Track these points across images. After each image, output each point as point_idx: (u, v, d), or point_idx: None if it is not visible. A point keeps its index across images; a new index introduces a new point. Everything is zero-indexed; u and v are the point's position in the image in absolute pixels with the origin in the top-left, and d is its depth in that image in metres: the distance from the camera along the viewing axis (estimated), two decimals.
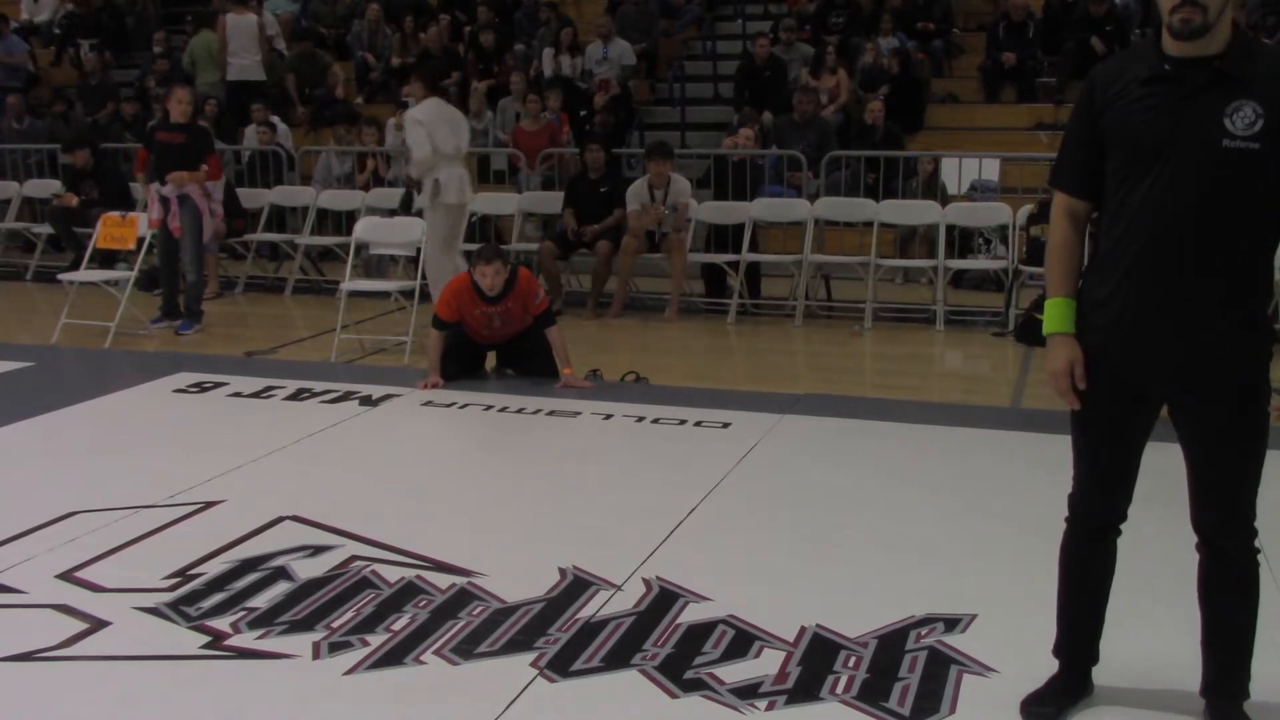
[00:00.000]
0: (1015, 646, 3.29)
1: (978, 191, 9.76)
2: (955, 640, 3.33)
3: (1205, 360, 2.65)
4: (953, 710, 2.97)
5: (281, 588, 3.73)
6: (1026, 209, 8.51)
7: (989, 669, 3.17)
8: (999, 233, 9.07)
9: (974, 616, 3.47)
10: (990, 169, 9.92)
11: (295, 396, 6.20)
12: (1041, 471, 4.97)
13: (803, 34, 12.28)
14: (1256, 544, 2.80)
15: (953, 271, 8.82)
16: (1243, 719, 2.83)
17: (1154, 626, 3.38)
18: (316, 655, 3.28)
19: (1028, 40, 11.78)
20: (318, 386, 6.37)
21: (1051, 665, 3.18)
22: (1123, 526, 2.92)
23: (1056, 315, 2.81)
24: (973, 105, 11.90)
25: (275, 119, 11.68)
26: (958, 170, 9.78)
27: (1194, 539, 2.86)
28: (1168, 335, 2.64)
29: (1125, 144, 2.63)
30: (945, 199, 9.32)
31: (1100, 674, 3.04)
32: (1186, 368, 2.67)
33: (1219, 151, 2.53)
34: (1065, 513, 2.95)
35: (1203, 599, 2.86)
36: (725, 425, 5.60)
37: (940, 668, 3.18)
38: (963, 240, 9.15)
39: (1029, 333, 7.83)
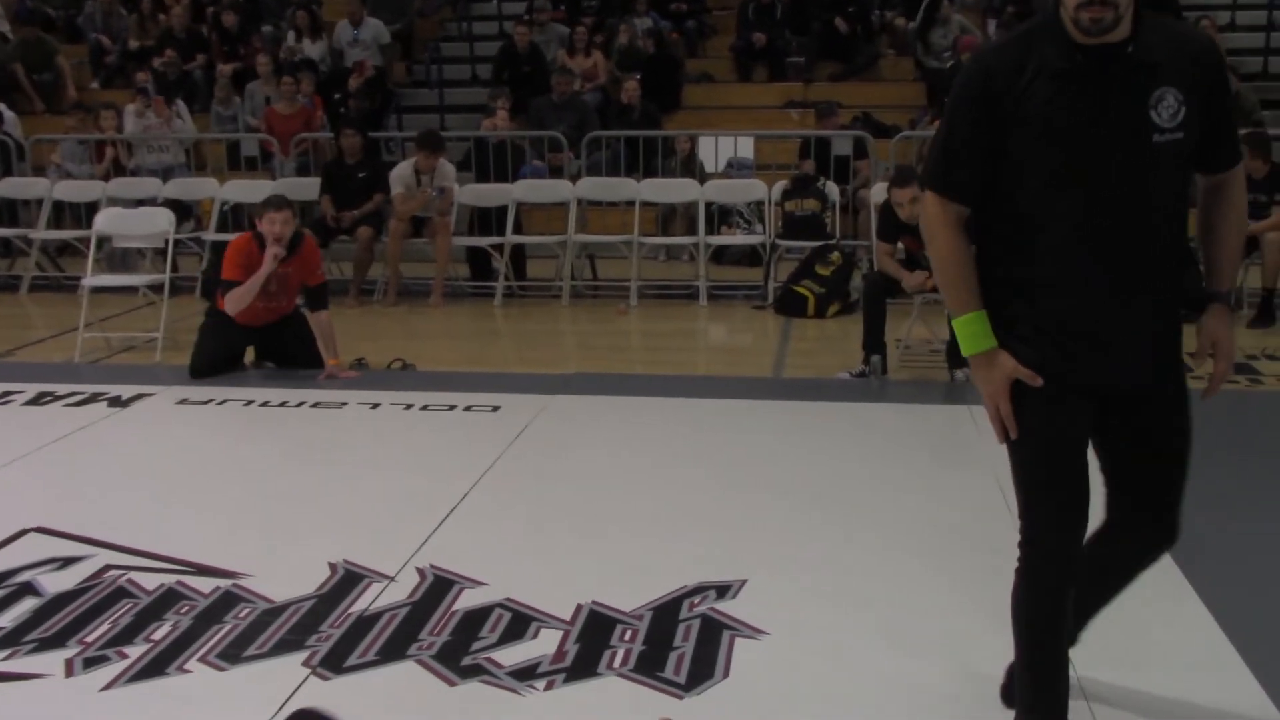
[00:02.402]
0: (783, 608, 3.40)
1: (734, 168, 10.02)
2: (726, 606, 3.42)
3: (1159, 353, 2.45)
4: (726, 674, 3.05)
5: (28, 604, 3.50)
6: (781, 184, 8.79)
7: (760, 631, 3.27)
8: (755, 209, 9.33)
9: (744, 582, 3.57)
10: (745, 146, 10.19)
11: (36, 401, 5.83)
12: (801, 438, 5.17)
13: (557, 14, 12.30)
14: None
15: (713, 248, 9.03)
16: None
17: None
18: (70, 673, 3.10)
19: (776, 21, 12.14)
20: (61, 389, 6.01)
21: (821, 626, 3.31)
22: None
23: (974, 331, 2.45)
24: (726, 84, 12.20)
25: (1, 106, 10.93)
26: (714, 148, 10.01)
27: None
28: (1119, 336, 2.40)
29: (1046, 147, 2.34)
30: (703, 177, 9.52)
31: None
32: (1141, 365, 2.44)
33: (1150, 147, 2.32)
34: (1016, 563, 2.61)
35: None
36: (495, 409, 5.58)
37: (713, 634, 3.26)
38: (721, 217, 9.38)
39: (788, 304, 8.12)
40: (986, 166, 2.40)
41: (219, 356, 6.28)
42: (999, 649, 3.14)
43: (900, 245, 6.31)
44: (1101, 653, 3.06)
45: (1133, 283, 2.38)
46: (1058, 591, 2.55)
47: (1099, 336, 2.40)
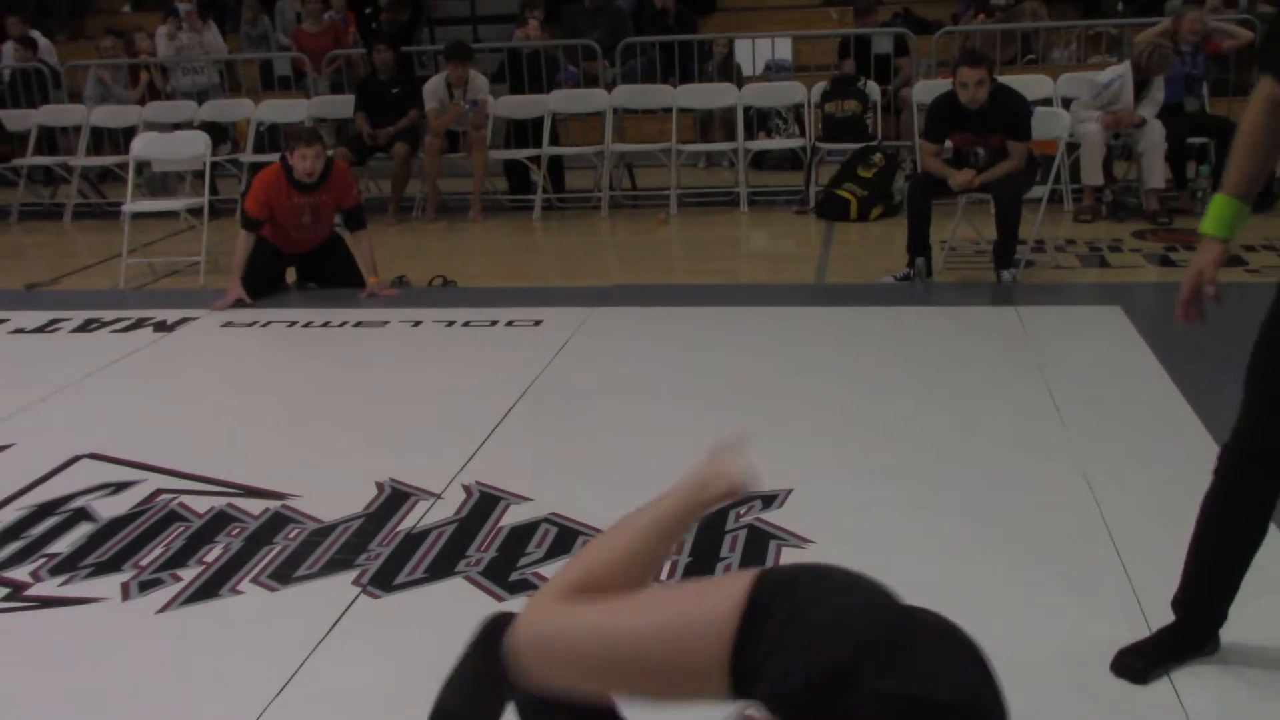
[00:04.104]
0: (829, 516, 3.38)
1: (772, 71, 9.84)
2: (772, 516, 3.41)
3: None
4: None
5: (83, 530, 3.56)
6: (820, 86, 8.62)
7: (805, 540, 3.26)
8: (794, 112, 9.17)
9: (789, 491, 3.55)
10: (783, 48, 9.99)
11: (84, 328, 5.89)
12: (846, 344, 5.12)
13: None
14: None
15: (753, 153, 8.90)
16: None
17: None
18: (126, 596, 3.15)
19: None
20: (107, 316, 6.06)
21: (867, 534, 3.30)
22: None
23: (1217, 215, 2.38)
24: None
25: (35, 34, 10.90)
26: (751, 51, 9.83)
27: None
28: None
29: None
30: (741, 80, 9.35)
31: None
32: None
33: None
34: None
35: None
36: (537, 323, 5.56)
37: (759, 544, 3.25)
38: (760, 121, 9.23)
39: (830, 208, 8.01)
40: None
41: (261, 279, 6.29)
42: (1046, 553, 3.13)
43: (948, 144, 6.17)
44: (1149, 549, 3.03)
45: None
46: (1232, 492, 2.46)
47: None
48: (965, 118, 5.95)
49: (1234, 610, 2.59)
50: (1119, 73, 7.41)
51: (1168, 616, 2.63)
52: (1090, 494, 3.43)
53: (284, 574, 3.21)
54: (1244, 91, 8.30)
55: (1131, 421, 4.02)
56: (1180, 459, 3.69)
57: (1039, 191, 6.43)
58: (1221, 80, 8.25)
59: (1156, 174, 7.35)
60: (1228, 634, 2.62)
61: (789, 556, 3.17)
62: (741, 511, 3.44)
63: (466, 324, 5.64)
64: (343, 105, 9.24)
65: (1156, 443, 3.84)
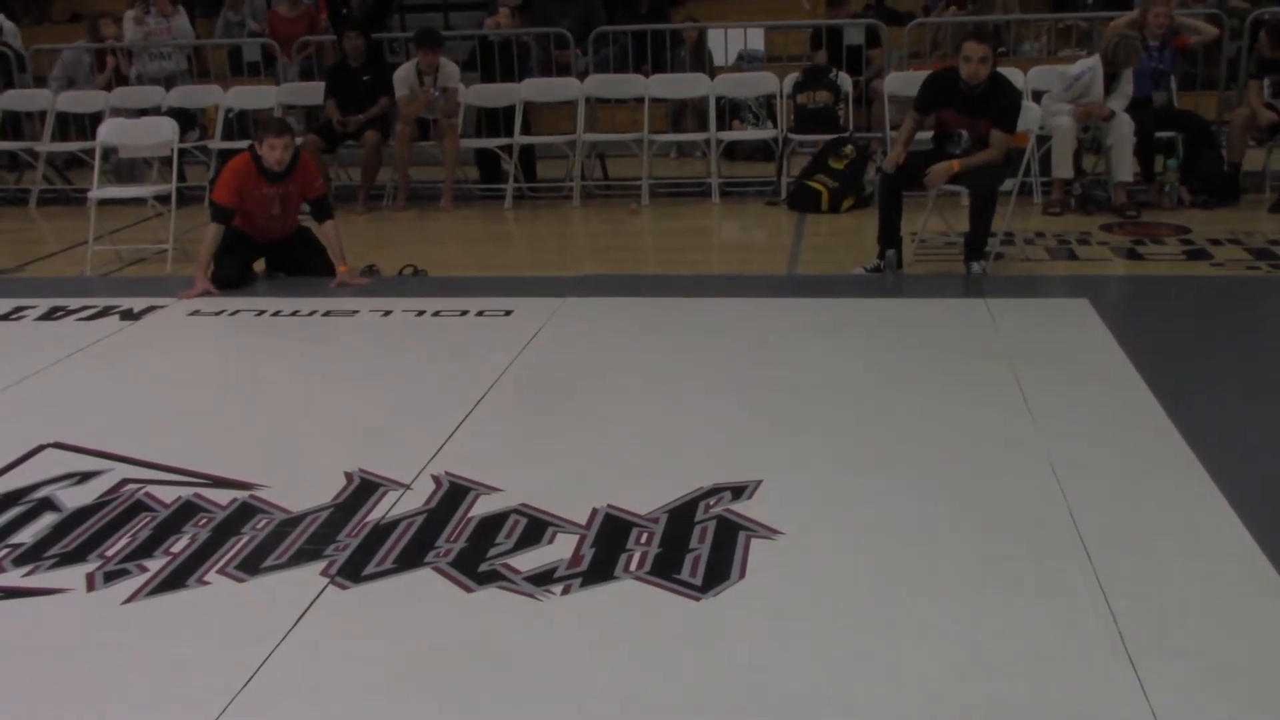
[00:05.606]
0: (799, 507, 3.39)
1: (745, 61, 9.84)
2: (742, 507, 3.41)
3: None
4: (743, 575, 3.05)
5: (48, 520, 3.52)
6: (792, 77, 8.63)
7: (775, 531, 3.26)
8: (764, 104, 9.18)
9: (759, 482, 3.56)
10: (755, 38, 10.00)
11: (49, 316, 5.83)
12: (816, 336, 5.14)
13: None
14: None
15: (725, 144, 8.90)
16: None
17: None
18: (92, 587, 3.12)
19: None
20: (73, 304, 6.00)
21: (837, 524, 3.31)
22: None
23: None
24: None
25: (0, 16, 10.77)
26: (724, 41, 9.83)
27: None
28: None
29: None
30: (713, 70, 9.35)
31: None
32: None
33: None
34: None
35: None
36: (508, 313, 5.54)
37: (729, 535, 3.25)
38: (732, 112, 9.24)
39: (801, 199, 8.03)
40: None
41: (231, 267, 6.24)
42: (1014, 541, 3.15)
43: (933, 117, 6.13)
44: (1114, 536, 3.06)
45: None
46: None
47: None
48: (959, 96, 5.94)
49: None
50: (1089, 65, 7.45)
51: (1130, 602, 2.65)
52: (1057, 484, 3.45)
53: (252, 565, 3.19)
54: (1211, 86, 8.37)
55: (1098, 412, 4.05)
56: (1144, 449, 3.72)
57: (1009, 184, 6.46)
58: (1189, 75, 8.30)
59: (1125, 167, 7.39)
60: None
61: (758, 548, 3.18)
62: (711, 503, 3.44)
63: (437, 314, 5.62)
64: (313, 92, 9.17)
65: (1122, 433, 3.86)
